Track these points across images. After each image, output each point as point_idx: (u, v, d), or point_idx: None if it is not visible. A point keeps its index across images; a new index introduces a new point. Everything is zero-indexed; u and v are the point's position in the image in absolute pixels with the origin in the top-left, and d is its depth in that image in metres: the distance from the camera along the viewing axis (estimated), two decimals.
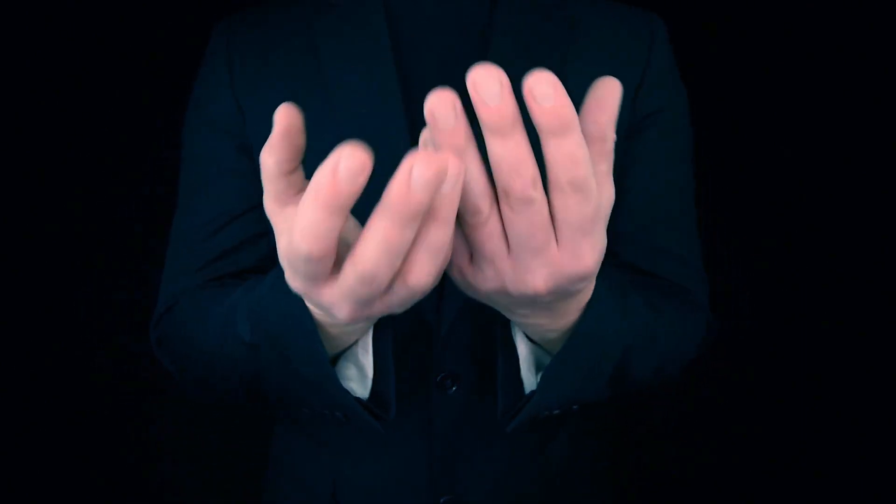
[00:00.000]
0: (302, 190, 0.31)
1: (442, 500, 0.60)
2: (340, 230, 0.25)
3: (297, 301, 0.36)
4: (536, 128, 0.26)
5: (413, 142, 0.53)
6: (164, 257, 0.61)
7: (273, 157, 0.29)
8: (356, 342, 0.41)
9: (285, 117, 0.28)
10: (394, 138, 0.52)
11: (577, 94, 0.54)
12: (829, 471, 1.76)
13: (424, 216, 0.26)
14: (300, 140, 0.29)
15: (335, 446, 0.62)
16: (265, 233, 0.58)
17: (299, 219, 0.24)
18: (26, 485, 1.55)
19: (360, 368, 0.41)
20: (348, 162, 0.23)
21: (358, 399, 0.41)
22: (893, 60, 1.65)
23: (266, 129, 0.55)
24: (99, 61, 1.56)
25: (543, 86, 0.24)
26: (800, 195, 1.79)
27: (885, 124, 1.69)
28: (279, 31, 0.57)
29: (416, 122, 0.54)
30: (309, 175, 0.52)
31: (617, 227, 0.59)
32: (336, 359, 0.42)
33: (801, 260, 1.81)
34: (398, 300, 0.30)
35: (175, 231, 0.60)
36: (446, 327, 0.54)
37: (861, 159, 1.73)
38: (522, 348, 0.42)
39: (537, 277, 0.30)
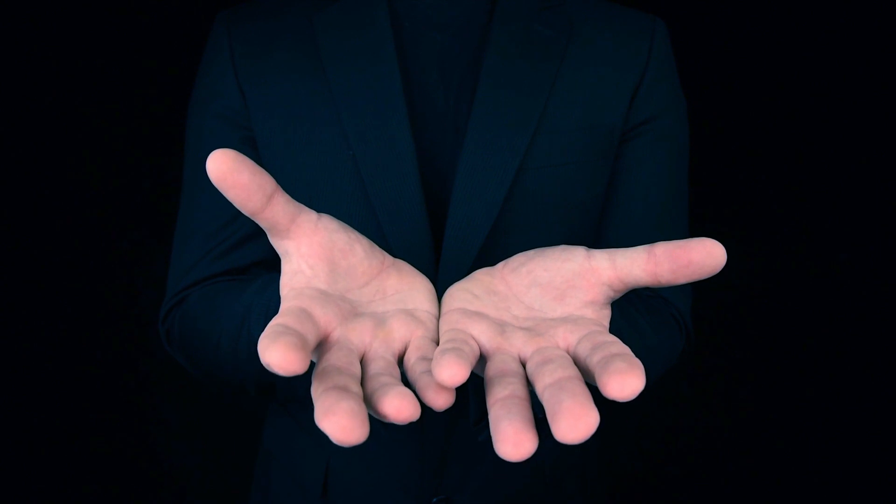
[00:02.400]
0: (294, 218, 0.31)
1: (434, 501, 0.60)
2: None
3: None
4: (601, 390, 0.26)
5: (413, 137, 0.53)
6: (162, 253, 0.61)
7: (235, 204, 0.29)
8: None
9: (211, 168, 0.27)
10: (395, 134, 0.52)
11: (574, 94, 0.55)
12: (828, 471, 1.77)
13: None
14: (243, 179, 0.28)
15: (328, 440, 0.62)
16: None
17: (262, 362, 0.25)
18: (25, 477, 1.55)
19: None
20: (277, 372, 0.24)
21: None
22: (894, 60, 1.66)
23: (269, 122, 0.56)
24: (95, 58, 1.55)
25: (635, 385, 0.24)
26: (800, 195, 1.80)
27: (885, 124, 1.70)
28: (280, 24, 0.57)
29: (416, 118, 0.54)
30: (310, 166, 0.53)
31: (609, 234, 0.60)
32: None
33: (800, 260, 1.81)
34: None
35: (180, 225, 0.60)
36: None
37: (861, 159, 1.74)
38: None
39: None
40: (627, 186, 0.59)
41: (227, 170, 0.27)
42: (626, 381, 0.24)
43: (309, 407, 0.60)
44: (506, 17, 0.55)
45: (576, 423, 0.23)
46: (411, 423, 0.58)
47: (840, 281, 1.78)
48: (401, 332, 0.32)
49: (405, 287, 0.35)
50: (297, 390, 0.44)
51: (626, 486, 1.78)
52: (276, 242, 0.32)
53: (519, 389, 0.27)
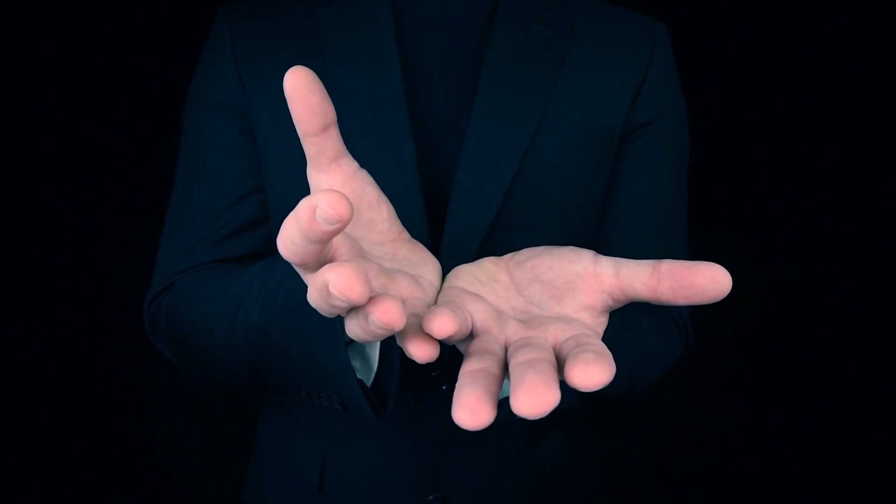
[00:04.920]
0: (338, 157, 0.32)
1: (430, 498, 0.60)
2: (320, 252, 0.25)
3: None
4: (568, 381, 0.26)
5: (413, 136, 0.53)
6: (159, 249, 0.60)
7: (294, 119, 0.30)
8: None
9: (289, 79, 0.29)
10: (395, 133, 0.52)
11: (575, 95, 0.55)
12: (828, 471, 1.77)
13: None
14: (312, 99, 0.29)
15: (325, 436, 0.62)
16: (267, 218, 0.58)
17: (283, 227, 0.25)
18: (23, 475, 1.55)
19: (366, 360, 0.42)
20: (323, 211, 0.23)
21: (362, 386, 0.41)
22: (894, 60, 1.66)
23: (269, 117, 0.55)
24: (91, 55, 1.55)
25: (598, 377, 0.24)
26: (800, 195, 1.80)
27: (885, 124, 1.70)
28: (282, 19, 0.57)
29: (417, 116, 0.54)
30: (302, 160, 0.53)
31: (609, 234, 0.60)
32: None
33: (800, 260, 1.81)
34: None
35: (173, 213, 0.59)
36: None
37: (861, 160, 1.74)
38: None
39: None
40: (627, 188, 0.59)
41: (301, 85, 0.29)
42: (590, 370, 0.24)
43: (302, 402, 0.60)
44: (507, 18, 0.55)
45: (534, 397, 0.23)
46: (408, 420, 0.58)
47: (840, 281, 1.78)
48: (401, 287, 0.32)
49: (415, 259, 0.36)
50: (289, 368, 0.44)
51: (625, 487, 1.78)
52: (312, 175, 0.33)
53: (493, 367, 0.27)
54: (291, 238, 0.24)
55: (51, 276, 1.57)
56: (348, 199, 0.23)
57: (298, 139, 0.54)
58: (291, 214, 0.24)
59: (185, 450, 1.69)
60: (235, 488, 1.57)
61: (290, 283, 0.40)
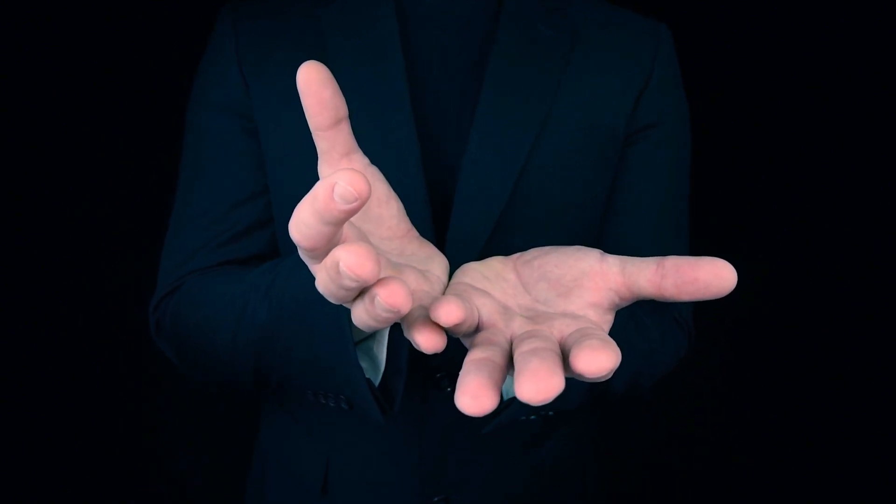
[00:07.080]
0: (349, 152, 0.32)
1: (434, 500, 0.60)
2: (332, 236, 0.25)
3: None
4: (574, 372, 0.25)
5: (417, 136, 0.53)
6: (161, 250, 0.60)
7: (306, 113, 0.30)
8: (372, 335, 0.41)
9: (302, 73, 0.29)
10: (399, 132, 0.52)
11: (578, 96, 0.55)
12: (828, 471, 1.77)
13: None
14: (325, 94, 0.29)
15: (327, 437, 0.62)
16: (271, 219, 0.58)
17: (297, 209, 0.24)
18: (24, 477, 1.55)
19: (373, 360, 0.42)
20: (343, 189, 0.23)
21: (370, 385, 0.41)
22: (894, 60, 1.66)
23: (272, 116, 0.55)
24: (91, 55, 1.55)
25: (603, 362, 0.24)
26: (800, 196, 1.80)
27: (885, 124, 1.70)
28: (285, 18, 0.57)
29: (420, 117, 0.54)
30: (313, 161, 0.53)
31: (610, 236, 0.60)
32: None
33: (799, 262, 1.81)
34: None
35: (177, 214, 0.59)
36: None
37: (861, 160, 1.74)
38: None
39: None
40: (629, 189, 0.59)
41: (314, 80, 0.29)
42: (595, 355, 0.24)
43: (307, 402, 0.60)
44: (511, 19, 0.56)
45: (538, 383, 0.23)
46: (412, 421, 0.58)
47: (840, 281, 1.78)
48: (408, 280, 0.32)
49: (423, 255, 0.36)
50: (295, 367, 0.44)
51: (625, 487, 1.78)
52: (323, 170, 0.33)
53: (497, 357, 0.27)
54: (305, 220, 0.24)
55: (51, 276, 1.57)
56: (366, 178, 0.23)
57: (302, 139, 0.54)
58: (307, 196, 0.24)
59: (185, 450, 1.69)
60: (236, 489, 1.57)
61: (297, 281, 0.40)
